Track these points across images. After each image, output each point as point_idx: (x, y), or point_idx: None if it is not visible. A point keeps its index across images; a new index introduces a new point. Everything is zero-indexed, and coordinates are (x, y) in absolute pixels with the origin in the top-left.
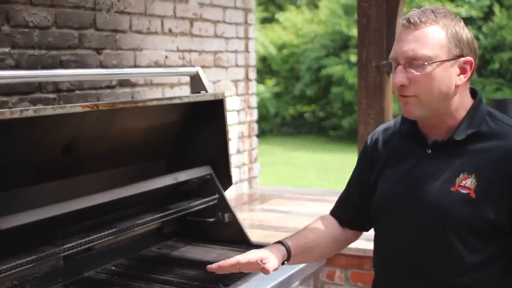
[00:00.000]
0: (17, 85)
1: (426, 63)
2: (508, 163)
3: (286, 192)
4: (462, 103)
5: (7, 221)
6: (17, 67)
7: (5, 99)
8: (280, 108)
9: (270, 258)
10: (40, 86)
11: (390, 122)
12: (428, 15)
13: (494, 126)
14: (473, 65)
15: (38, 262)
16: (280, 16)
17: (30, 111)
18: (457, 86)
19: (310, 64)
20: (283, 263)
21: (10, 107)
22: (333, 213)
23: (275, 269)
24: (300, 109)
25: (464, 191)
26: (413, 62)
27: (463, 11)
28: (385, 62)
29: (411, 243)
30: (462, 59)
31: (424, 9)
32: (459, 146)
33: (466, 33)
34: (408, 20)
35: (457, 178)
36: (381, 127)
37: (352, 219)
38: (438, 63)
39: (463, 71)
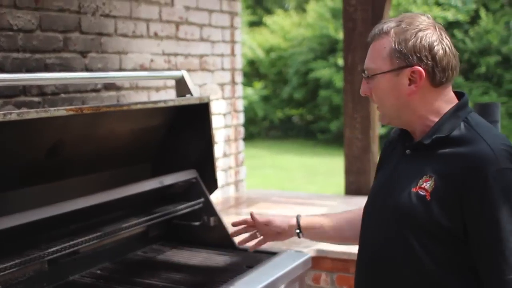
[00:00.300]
0: (1, 88)
1: (371, 75)
2: (464, 170)
3: (273, 195)
4: (433, 109)
5: None
6: (1, 70)
7: None
8: (268, 111)
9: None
10: (24, 90)
11: None
12: (382, 27)
13: (465, 133)
14: (423, 74)
15: (22, 266)
16: (267, 19)
17: (14, 115)
18: (409, 95)
19: (298, 67)
20: (298, 236)
21: None
22: None
23: (281, 236)
24: (288, 113)
25: (422, 193)
26: (366, 75)
27: (450, 15)
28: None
29: (375, 242)
30: (407, 69)
31: (385, 20)
32: (429, 150)
33: (418, 42)
34: (370, 34)
35: (420, 180)
36: (394, 129)
37: None
38: (380, 74)
39: (412, 80)
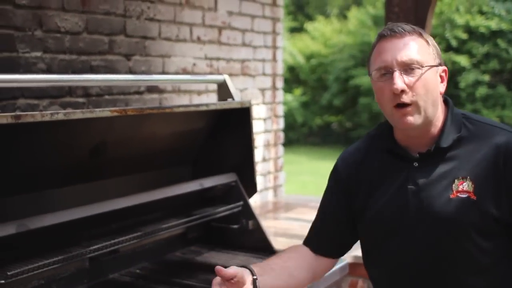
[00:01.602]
0: (48, 89)
1: (420, 68)
2: (498, 159)
3: (310, 201)
4: (440, 111)
5: (35, 222)
6: (48, 71)
7: (36, 102)
8: (307, 118)
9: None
10: (70, 90)
11: (357, 143)
12: (409, 26)
13: (473, 128)
14: (447, 74)
15: (64, 262)
16: (308, 25)
17: (60, 115)
18: (440, 94)
19: (338, 74)
20: (254, 284)
21: (41, 110)
22: (307, 241)
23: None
24: (327, 119)
25: (464, 196)
26: (408, 67)
27: (493, 24)
28: (383, 73)
29: (424, 256)
30: (441, 67)
31: (397, 23)
32: (445, 153)
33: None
34: (393, 30)
35: (453, 185)
36: (350, 150)
37: (328, 247)
38: (428, 67)
39: (442, 79)
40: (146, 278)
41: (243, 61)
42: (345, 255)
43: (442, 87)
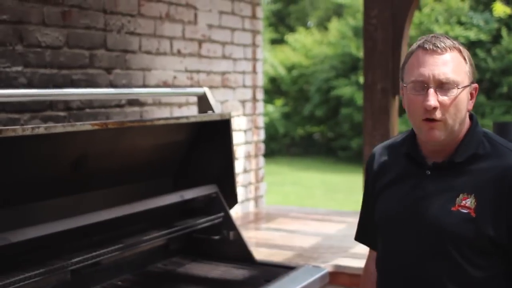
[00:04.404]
0: (29, 103)
1: (455, 88)
2: (504, 182)
3: (292, 211)
4: (465, 125)
5: (16, 235)
6: (29, 85)
7: (17, 116)
8: (289, 128)
9: None
10: (51, 104)
11: (390, 140)
12: (450, 41)
13: (490, 147)
14: (477, 91)
15: (46, 275)
16: (289, 37)
17: (41, 129)
18: (468, 111)
19: (319, 85)
20: None
21: (22, 124)
22: (356, 235)
23: None
24: (309, 130)
25: (465, 211)
26: (443, 86)
27: (472, 34)
28: (414, 81)
29: (417, 261)
30: (473, 85)
31: (440, 35)
32: (458, 167)
33: (473, 62)
34: (435, 45)
35: (457, 198)
36: (384, 144)
37: (371, 237)
38: (462, 88)
39: (471, 96)
40: None
41: (223, 73)
42: (325, 264)
43: (471, 104)
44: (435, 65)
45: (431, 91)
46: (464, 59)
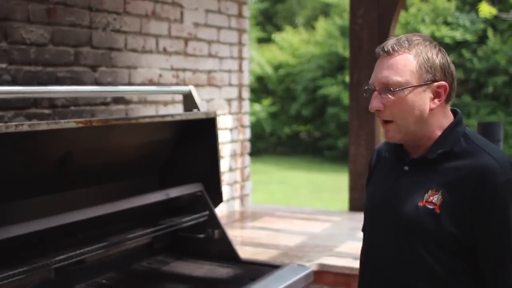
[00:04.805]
0: (13, 100)
1: (398, 89)
2: (472, 182)
3: (277, 210)
4: (439, 124)
5: (0, 233)
6: (13, 82)
7: (1, 113)
8: (276, 128)
9: None
10: (36, 102)
11: None
12: (402, 43)
13: (466, 147)
14: (447, 88)
15: (29, 273)
16: (276, 36)
17: (25, 126)
18: (431, 110)
19: (306, 84)
20: None
21: (5, 122)
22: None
23: None
24: (296, 129)
25: (430, 207)
26: (386, 88)
27: (458, 34)
28: (366, 88)
29: (391, 255)
30: (434, 84)
31: (399, 37)
32: (432, 164)
33: (439, 58)
34: (383, 49)
35: (426, 194)
36: (384, 141)
37: None
38: (409, 89)
39: (437, 95)
40: None
41: (209, 72)
42: (310, 263)
43: (434, 103)
44: (380, 68)
45: (375, 94)
46: (417, 59)
